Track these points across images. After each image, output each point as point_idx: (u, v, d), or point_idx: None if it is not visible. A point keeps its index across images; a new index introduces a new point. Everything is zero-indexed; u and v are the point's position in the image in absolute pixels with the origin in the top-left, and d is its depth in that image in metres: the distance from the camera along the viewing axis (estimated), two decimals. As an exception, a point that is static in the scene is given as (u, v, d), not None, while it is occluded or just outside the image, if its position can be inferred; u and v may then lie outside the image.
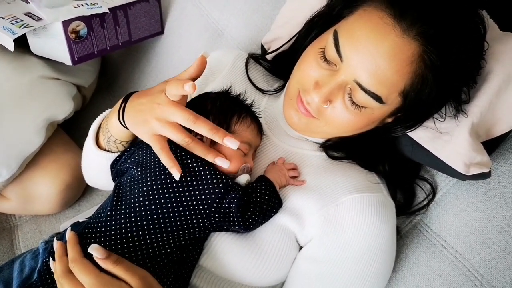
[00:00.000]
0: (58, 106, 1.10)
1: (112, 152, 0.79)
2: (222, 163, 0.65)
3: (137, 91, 0.73)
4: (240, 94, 0.77)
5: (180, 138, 0.64)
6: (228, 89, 0.77)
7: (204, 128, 0.62)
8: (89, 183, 0.95)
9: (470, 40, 0.65)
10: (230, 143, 0.62)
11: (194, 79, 0.66)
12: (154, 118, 0.64)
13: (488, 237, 0.71)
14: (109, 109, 0.82)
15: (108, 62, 1.50)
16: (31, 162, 1.06)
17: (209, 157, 0.65)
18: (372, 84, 0.63)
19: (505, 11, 0.76)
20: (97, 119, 0.83)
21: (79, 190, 1.15)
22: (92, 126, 0.83)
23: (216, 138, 0.62)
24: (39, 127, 1.05)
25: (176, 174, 0.63)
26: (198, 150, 0.65)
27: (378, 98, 0.65)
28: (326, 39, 0.68)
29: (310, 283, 0.70)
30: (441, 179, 0.80)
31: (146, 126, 0.66)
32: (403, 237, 0.81)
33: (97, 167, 0.82)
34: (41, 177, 1.07)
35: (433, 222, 0.79)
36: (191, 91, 0.60)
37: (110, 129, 0.76)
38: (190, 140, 0.64)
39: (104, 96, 1.45)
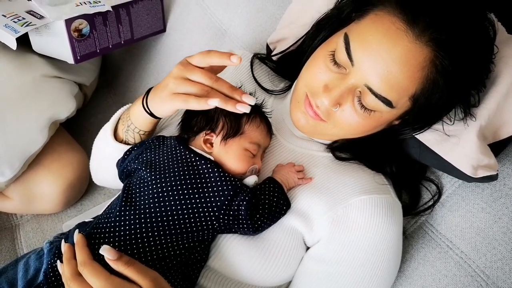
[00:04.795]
0: (60, 105, 1.10)
1: (128, 143, 0.79)
2: (249, 100, 0.65)
3: None
4: (250, 93, 0.77)
5: (199, 88, 0.65)
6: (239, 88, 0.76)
7: (224, 86, 0.65)
8: (96, 182, 0.94)
9: (481, 44, 0.65)
10: (247, 99, 0.65)
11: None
12: (171, 78, 0.66)
13: (493, 238, 0.72)
14: (129, 104, 0.82)
15: (109, 60, 1.48)
16: (34, 162, 1.06)
17: (234, 98, 0.65)
18: (383, 88, 0.63)
19: (512, 14, 0.76)
20: (118, 111, 0.83)
21: (82, 189, 1.14)
22: (112, 117, 0.83)
23: (235, 95, 0.65)
24: (42, 126, 1.04)
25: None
26: (221, 96, 0.65)
27: (388, 103, 0.65)
28: (335, 42, 0.68)
29: (318, 283, 0.71)
30: (446, 180, 0.80)
31: (164, 91, 0.67)
32: (408, 237, 0.82)
33: (107, 164, 0.82)
34: (43, 176, 1.07)
35: (439, 223, 0.79)
36: (238, 64, 0.64)
37: (131, 117, 0.77)
38: (210, 88, 0.65)
39: (105, 94, 1.44)
